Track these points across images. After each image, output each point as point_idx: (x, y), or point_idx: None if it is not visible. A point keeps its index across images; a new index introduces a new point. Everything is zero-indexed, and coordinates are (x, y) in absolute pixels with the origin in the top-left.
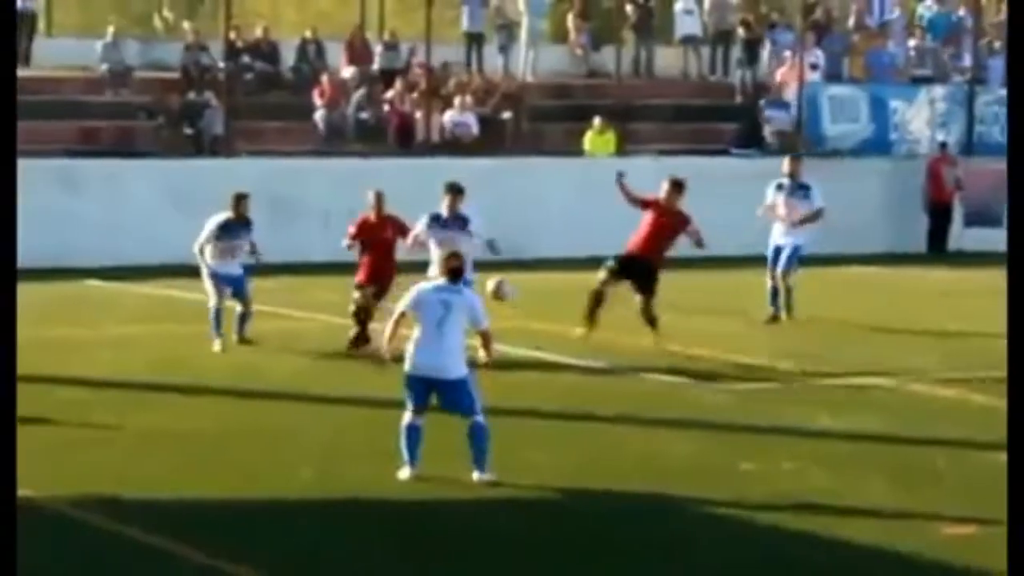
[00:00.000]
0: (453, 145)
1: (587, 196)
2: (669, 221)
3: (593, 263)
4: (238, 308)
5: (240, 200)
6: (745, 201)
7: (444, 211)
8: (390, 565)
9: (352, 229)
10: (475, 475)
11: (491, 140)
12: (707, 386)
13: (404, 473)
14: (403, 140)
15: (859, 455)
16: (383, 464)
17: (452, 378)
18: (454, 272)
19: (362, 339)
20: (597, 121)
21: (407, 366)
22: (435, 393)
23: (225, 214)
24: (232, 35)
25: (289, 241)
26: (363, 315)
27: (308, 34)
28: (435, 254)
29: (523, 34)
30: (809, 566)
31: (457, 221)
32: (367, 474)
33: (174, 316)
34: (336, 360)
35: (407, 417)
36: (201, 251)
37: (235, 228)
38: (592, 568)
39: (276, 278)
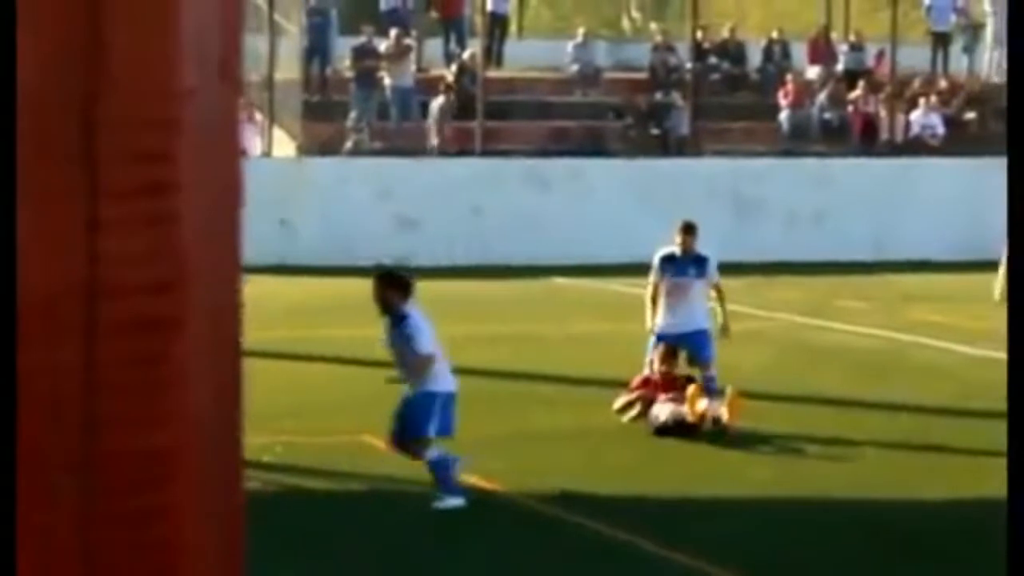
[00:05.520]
0: (916, 145)
1: None
2: None
3: None
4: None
5: (688, 231)
6: None
7: None
8: (859, 563)
9: None
10: None
11: (954, 140)
12: None
13: None
14: (867, 140)
15: None
16: (841, 462)
17: None
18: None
19: None
20: None
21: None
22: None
23: (671, 247)
24: (699, 35)
25: (753, 240)
26: None
27: (775, 35)
28: None
29: (988, 35)
30: None
31: None
32: (825, 472)
33: (638, 315)
34: (798, 355)
35: None
36: (653, 300)
37: (682, 264)
38: None
39: (740, 277)
